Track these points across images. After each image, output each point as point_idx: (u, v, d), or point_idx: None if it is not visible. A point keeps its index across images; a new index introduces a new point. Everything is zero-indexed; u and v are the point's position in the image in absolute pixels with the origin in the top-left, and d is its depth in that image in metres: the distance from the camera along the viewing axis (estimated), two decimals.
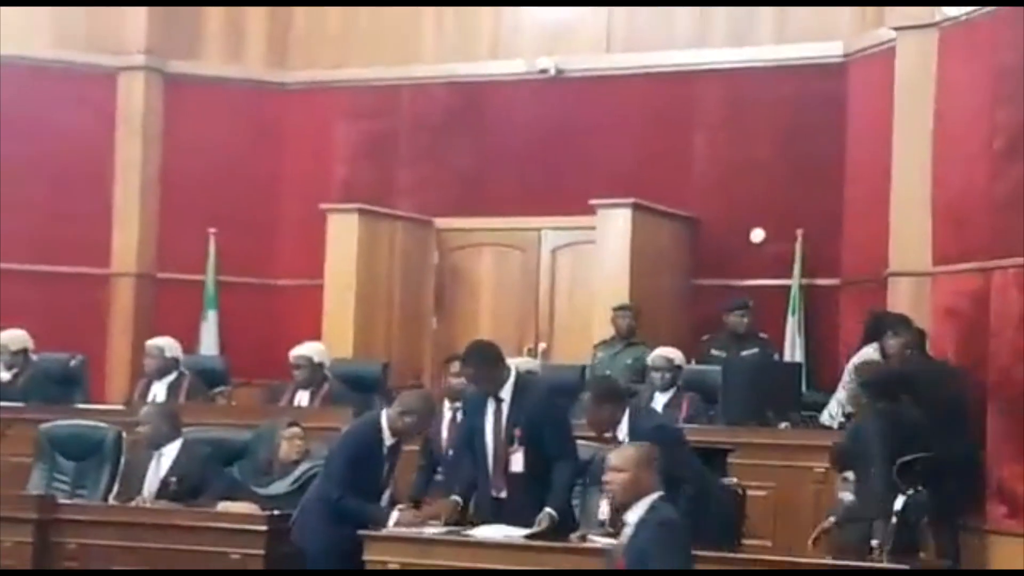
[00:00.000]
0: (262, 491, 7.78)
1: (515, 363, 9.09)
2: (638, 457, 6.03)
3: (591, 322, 11.26)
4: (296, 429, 7.98)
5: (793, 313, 11.33)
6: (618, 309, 10.71)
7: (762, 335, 10.93)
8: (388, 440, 7.41)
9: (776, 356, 10.89)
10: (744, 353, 10.56)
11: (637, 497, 5.94)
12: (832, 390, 9.54)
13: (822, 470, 8.40)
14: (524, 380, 7.59)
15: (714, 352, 10.64)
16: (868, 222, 10.75)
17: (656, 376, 9.54)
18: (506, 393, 7.44)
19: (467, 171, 12.69)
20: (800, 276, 11.42)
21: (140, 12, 12.88)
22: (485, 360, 7.47)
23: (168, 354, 10.19)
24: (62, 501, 7.92)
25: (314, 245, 12.20)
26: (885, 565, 6.61)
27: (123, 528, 7.51)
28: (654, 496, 5.95)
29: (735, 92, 11.93)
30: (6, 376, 10.07)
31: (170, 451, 8.10)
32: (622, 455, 6.06)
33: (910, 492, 7.17)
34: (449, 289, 12.63)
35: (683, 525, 5.96)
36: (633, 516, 5.92)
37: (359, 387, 9.91)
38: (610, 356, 10.50)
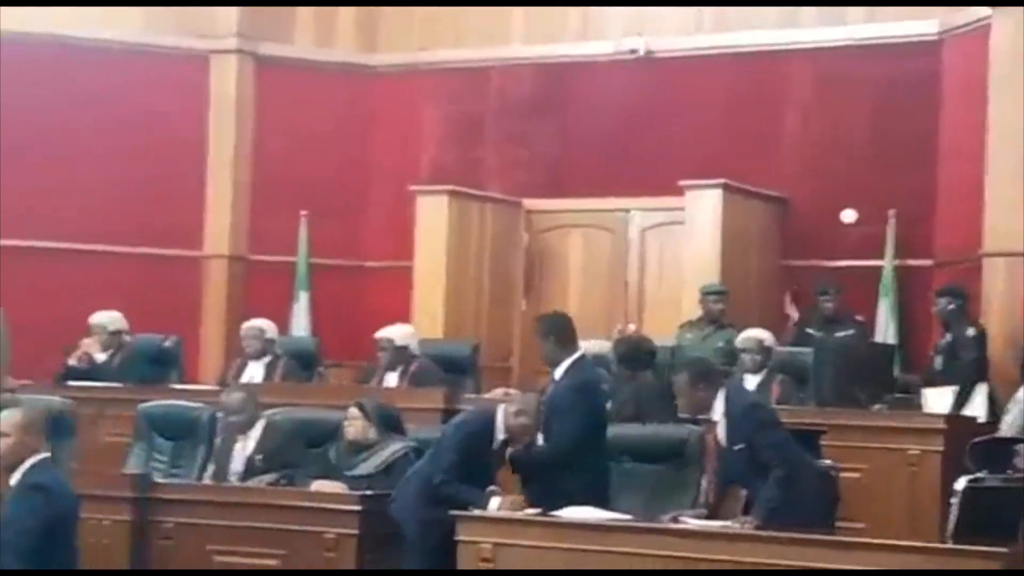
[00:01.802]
0: (350, 472, 7.83)
1: (587, 345, 9.13)
2: (23, 422, 6.18)
3: (680, 303, 11.22)
4: (353, 410, 7.98)
5: (885, 295, 11.23)
6: (709, 293, 10.65)
7: (857, 317, 10.84)
8: (500, 436, 7.45)
9: (871, 338, 10.78)
10: (839, 335, 10.47)
11: (21, 460, 6.10)
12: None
13: (916, 452, 8.34)
14: (578, 363, 7.59)
15: (809, 331, 10.56)
16: (962, 202, 10.63)
17: (746, 358, 9.47)
18: (559, 373, 7.52)
19: (556, 152, 12.68)
20: (892, 257, 11.32)
21: None
22: (540, 331, 7.54)
23: (268, 335, 10.32)
24: (159, 480, 8.02)
25: (404, 227, 12.25)
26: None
27: (218, 507, 7.58)
28: (35, 459, 6.12)
29: (826, 71, 11.83)
30: (102, 357, 10.20)
31: (254, 432, 8.20)
32: (8, 420, 6.17)
33: None
34: (538, 270, 12.62)
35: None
36: (14, 479, 6.09)
37: (450, 368, 9.94)
38: (699, 339, 10.44)
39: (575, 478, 7.33)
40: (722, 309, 10.58)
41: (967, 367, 9.40)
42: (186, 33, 12.96)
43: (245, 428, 8.21)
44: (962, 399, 9.17)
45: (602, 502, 7.21)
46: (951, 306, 9.75)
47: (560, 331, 7.66)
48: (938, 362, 9.68)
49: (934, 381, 9.49)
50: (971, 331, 9.58)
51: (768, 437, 6.93)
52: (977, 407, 9.19)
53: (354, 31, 13.42)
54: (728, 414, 7.04)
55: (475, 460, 7.38)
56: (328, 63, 13.24)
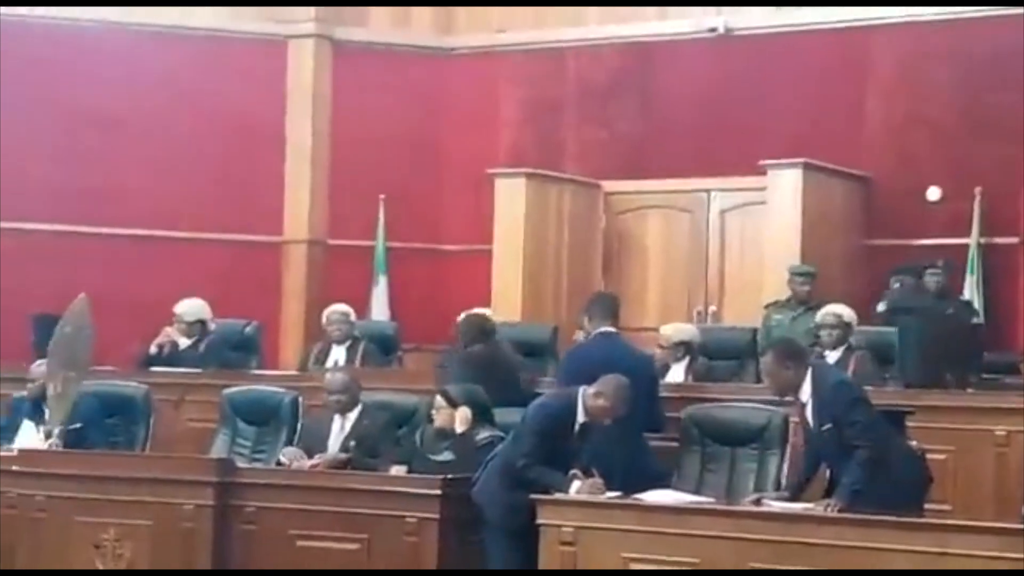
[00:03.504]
0: (436, 457, 7.81)
1: (668, 330, 9.12)
2: None
3: (762, 284, 11.13)
4: (439, 399, 7.94)
5: (971, 272, 11.08)
6: (798, 274, 10.52)
7: (963, 297, 10.68)
8: (580, 419, 7.36)
9: (975, 319, 10.57)
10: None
11: None
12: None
13: (1003, 433, 8.18)
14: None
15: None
16: None
17: (824, 334, 9.31)
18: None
19: (634, 133, 12.60)
20: (979, 235, 11.15)
21: None
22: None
23: (352, 319, 10.34)
24: (241, 465, 8.03)
25: (482, 210, 12.23)
26: None
27: (300, 491, 7.57)
28: None
29: (910, 47, 11.68)
30: (185, 344, 10.24)
31: (352, 415, 8.20)
32: None
33: None
34: (617, 252, 12.55)
35: None
36: None
37: (529, 352, 9.88)
38: (788, 320, 10.32)
39: None
40: (809, 291, 10.44)
41: None
42: (264, 19, 13.00)
43: (345, 409, 8.21)
44: None
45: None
46: None
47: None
48: None
49: None
50: None
51: (855, 415, 6.83)
52: None
53: (430, 14, 13.40)
54: (816, 394, 6.95)
55: (556, 443, 7.32)
56: (405, 46, 13.24)
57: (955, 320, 10.03)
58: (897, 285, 10.63)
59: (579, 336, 8.99)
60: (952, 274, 10.74)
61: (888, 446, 6.87)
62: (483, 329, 8.97)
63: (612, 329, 8.17)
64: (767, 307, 10.61)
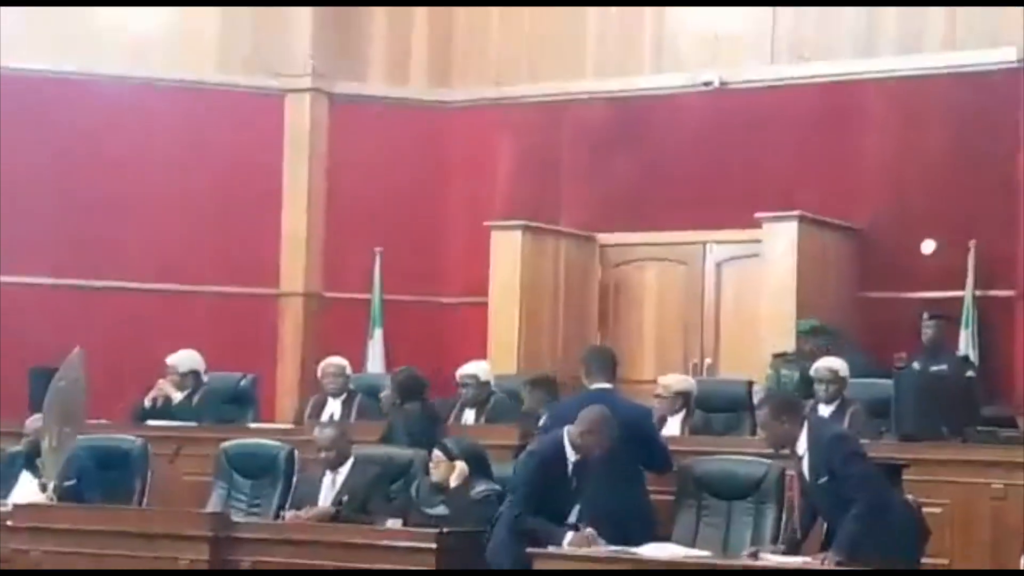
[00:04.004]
0: (431, 511, 7.79)
1: (667, 381, 9.14)
2: None
3: (758, 336, 11.14)
4: (437, 452, 7.94)
5: (966, 326, 11.07)
6: (803, 333, 10.49)
7: (960, 353, 10.68)
8: (572, 458, 7.36)
9: (970, 373, 10.55)
10: (934, 368, 10.31)
11: None
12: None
13: (1000, 486, 8.17)
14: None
15: (914, 365, 10.37)
16: None
17: (820, 388, 9.31)
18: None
19: (630, 185, 12.62)
20: (974, 287, 11.16)
21: (306, 34, 13.06)
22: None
23: (347, 372, 10.34)
24: (236, 519, 8.01)
25: (479, 262, 12.24)
26: None
27: (296, 546, 7.55)
28: None
29: (904, 100, 11.73)
30: (179, 397, 10.22)
31: (343, 469, 8.18)
32: None
33: None
34: (613, 304, 12.57)
35: None
36: None
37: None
38: (796, 374, 10.22)
39: None
40: (818, 346, 10.36)
41: None
42: (261, 72, 13.05)
43: (335, 465, 8.20)
44: None
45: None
46: None
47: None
48: None
49: None
50: None
51: (851, 469, 6.82)
52: None
53: (427, 67, 13.46)
54: (812, 447, 6.94)
55: (551, 488, 7.31)
56: (402, 99, 13.28)
57: (949, 374, 10.05)
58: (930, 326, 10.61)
59: None
60: (941, 328, 10.73)
61: (885, 500, 6.86)
62: (420, 384, 9.18)
63: (609, 386, 8.09)
64: (775, 357, 10.52)
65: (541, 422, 8.37)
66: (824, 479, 6.88)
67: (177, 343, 10.64)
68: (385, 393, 9.59)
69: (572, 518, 7.35)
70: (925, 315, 10.70)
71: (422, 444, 8.39)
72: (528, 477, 7.34)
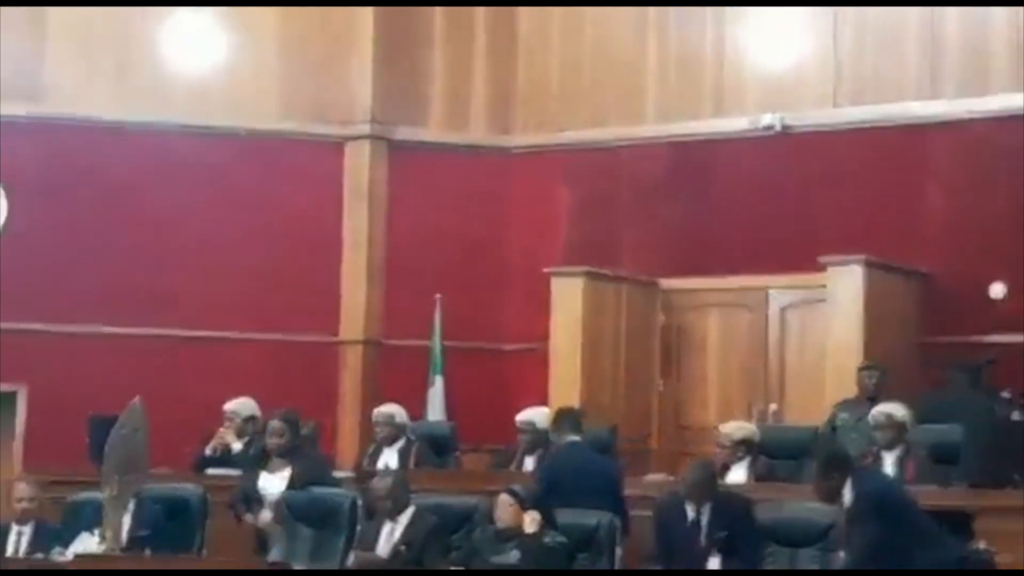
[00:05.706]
0: (500, 558, 7.69)
1: (726, 429, 9.07)
2: None
3: (823, 382, 11.00)
4: (505, 497, 7.85)
5: None
6: (864, 369, 10.34)
7: (1003, 394, 10.49)
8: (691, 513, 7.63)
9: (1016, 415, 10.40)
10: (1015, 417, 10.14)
11: None
12: None
13: None
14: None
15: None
16: None
17: (877, 435, 9.08)
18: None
19: (692, 230, 12.54)
20: None
21: (366, 81, 13.08)
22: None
23: (398, 420, 10.25)
24: (298, 568, 7.92)
25: (539, 308, 12.15)
26: None
27: None
28: None
29: (969, 142, 11.59)
30: (238, 446, 10.17)
31: (403, 518, 8.10)
32: None
33: None
34: (676, 350, 12.47)
35: None
36: None
37: None
38: (854, 419, 10.07)
39: None
40: (879, 384, 10.20)
41: None
42: (321, 120, 13.07)
43: (392, 514, 8.13)
44: None
45: None
46: None
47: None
48: None
49: None
50: None
51: (855, 528, 6.93)
52: None
53: (486, 113, 13.44)
54: (856, 499, 7.06)
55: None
56: (461, 145, 13.26)
57: (1000, 420, 9.90)
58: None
59: None
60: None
61: (940, 549, 6.93)
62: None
63: (577, 438, 8.66)
64: (836, 406, 10.35)
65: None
66: None
67: (238, 391, 10.60)
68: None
69: None
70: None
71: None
72: None
